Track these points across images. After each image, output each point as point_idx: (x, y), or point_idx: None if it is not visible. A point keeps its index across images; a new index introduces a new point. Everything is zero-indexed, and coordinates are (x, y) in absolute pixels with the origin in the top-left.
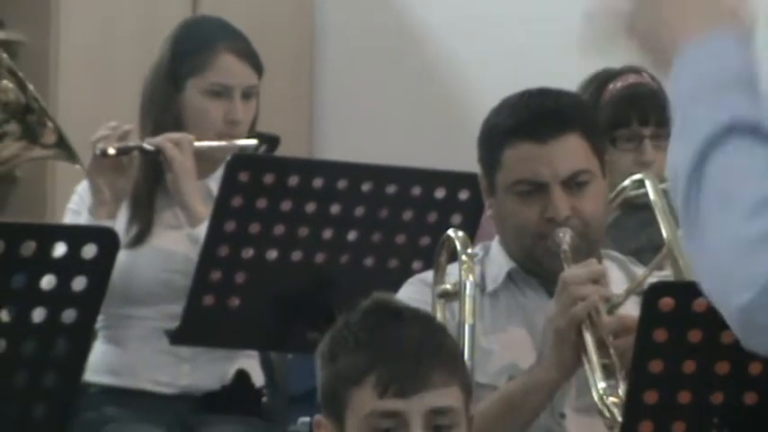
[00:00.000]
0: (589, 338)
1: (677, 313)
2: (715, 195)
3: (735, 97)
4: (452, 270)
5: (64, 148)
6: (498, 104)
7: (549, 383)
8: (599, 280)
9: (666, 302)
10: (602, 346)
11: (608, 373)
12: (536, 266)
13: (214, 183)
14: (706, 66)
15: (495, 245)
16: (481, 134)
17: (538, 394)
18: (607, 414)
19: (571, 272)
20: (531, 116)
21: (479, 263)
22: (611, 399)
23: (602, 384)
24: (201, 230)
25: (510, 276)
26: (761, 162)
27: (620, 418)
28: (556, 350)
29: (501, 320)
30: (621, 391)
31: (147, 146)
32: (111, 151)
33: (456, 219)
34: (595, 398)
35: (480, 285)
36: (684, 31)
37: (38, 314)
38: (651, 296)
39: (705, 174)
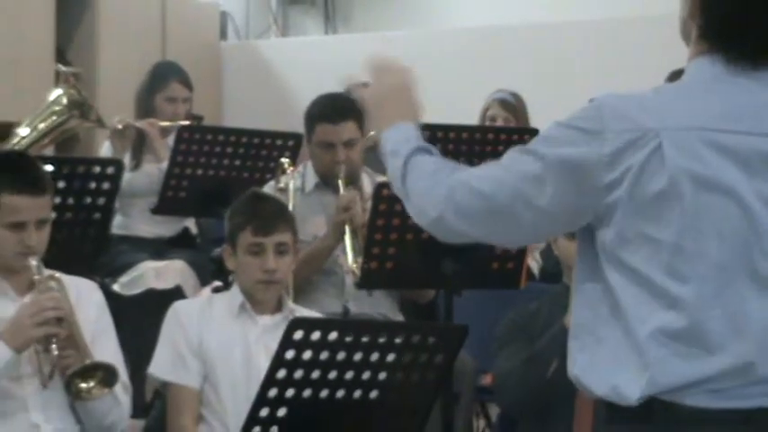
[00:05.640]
0: (348, 227)
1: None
2: (412, 177)
3: (414, 141)
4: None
5: (100, 121)
6: (313, 100)
7: (329, 247)
8: (354, 199)
9: (386, 192)
10: (353, 231)
11: (359, 247)
12: (329, 182)
13: (171, 138)
14: (401, 134)
15: (310, 166)
16: (305, 115)
17: (324, 251)
18: (354, 270)
19: (342, 194)
20: (328, 107)
21: (301, 175)
22: (355, 264)
23: (351, 254)
24: (164, 164)
25: (317, 185)
26: (432, 162)
27: (358, 272)
28: (333, 231)
29: (312, 209)
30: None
31: (136, 124)
32: (120, 126)
33: (287, 155)
34: (349, 261)
35: (301, 188)
36: (389, 121)
37: (89, 198)
38: (379, 189)
39: (407, 170)
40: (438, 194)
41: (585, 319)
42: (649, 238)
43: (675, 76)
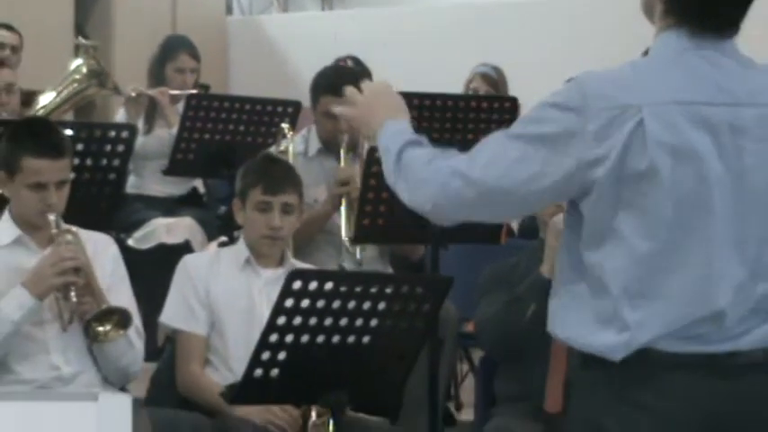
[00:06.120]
0: (344, 199)
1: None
2: (406, 171)
3: (404, 136)
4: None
5: (116, 89)
6: (319, 71)
7: (327, 214)
8: (352, 175)
9: (378, 154)
10: (350, 203)
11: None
12: (331, 148)
13: (181, 105)
14: (392, 130)
15: (314, 131)
16: (311, 85)
17: (321, 217)
18: (346, 243)
19: (342, 168)
20: (332, 80)
21: (305, 140)
22: (347, 238)
23: (344, 226)
24: (174, 129)
25: (319, 150)
26: (424, 154)
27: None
28: (330, 200)
29: (314, 173)
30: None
31: (149, 92)
32: (133, 94)
33: (287, 121)
34: (343, 233)
35: (305, 152)
36: (381, 121)
37: (105, 160)
38: (371, 152)
39: (401, 165)
40: (432, 186)
41: (568, 281)
42: (633, 208)
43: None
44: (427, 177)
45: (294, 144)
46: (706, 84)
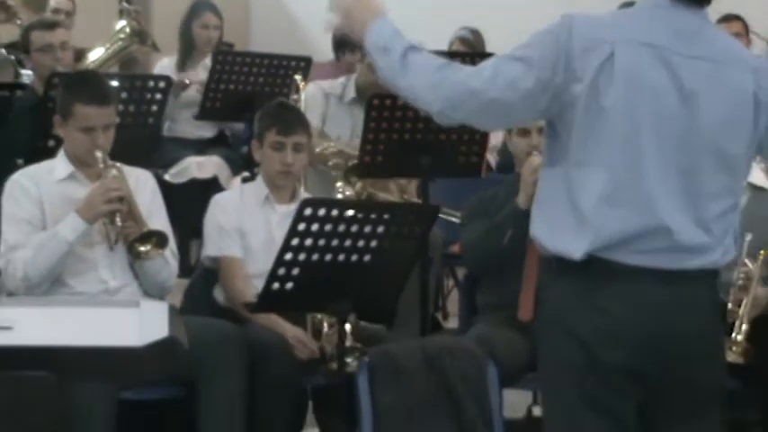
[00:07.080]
0: None
1: (382, 107)
2: (415, 72)
3: (405, 39)
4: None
5: (154, 46)
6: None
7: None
8: None
9: (377, 102)
10: None
11: None
12: (364, 98)
13: (208, 60)
14: (380, 31)
15: (353, 80)
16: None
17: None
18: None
19: None
20: None
21: (343, 86)
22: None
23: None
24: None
25: (353, 99)
26: (432, 59)
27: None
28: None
29: (342, 116)
30: None
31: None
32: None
33: (300, 73)
34: None
35: (341, 96)
36: (364, 23)
37: (145, 107)
38: (371, 100)
39: (407, 66)
40: (441, 91)
41: (547, 195)
42: (592, 130)
43: (626, 6)
44: (438, 83)
45: (332, 87)
46: (673, 35)
